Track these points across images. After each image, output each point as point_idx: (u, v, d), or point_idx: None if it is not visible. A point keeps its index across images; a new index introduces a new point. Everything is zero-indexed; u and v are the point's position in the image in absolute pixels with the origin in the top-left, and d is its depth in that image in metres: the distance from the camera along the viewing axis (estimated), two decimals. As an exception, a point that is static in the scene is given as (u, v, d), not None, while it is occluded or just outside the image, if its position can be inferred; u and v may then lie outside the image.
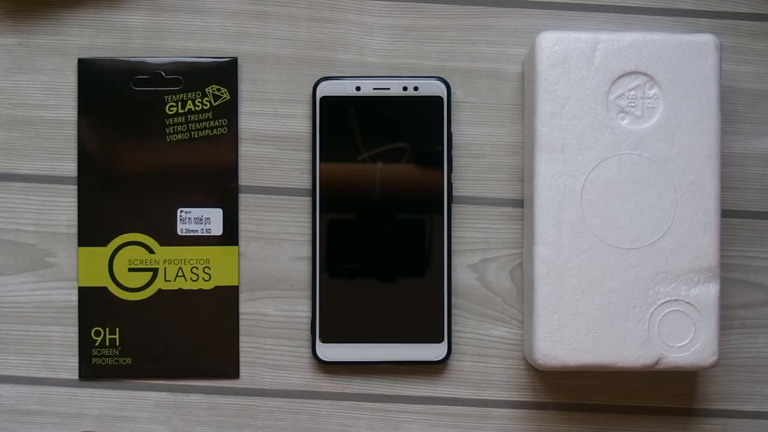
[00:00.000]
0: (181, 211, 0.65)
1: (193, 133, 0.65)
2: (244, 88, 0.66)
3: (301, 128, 0.66)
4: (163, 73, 0.65)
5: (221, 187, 0.66)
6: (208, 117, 0.66)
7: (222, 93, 0.65)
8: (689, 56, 0.62)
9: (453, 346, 0.66)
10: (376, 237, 0.65)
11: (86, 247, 0.65)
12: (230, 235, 0.66)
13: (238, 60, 0.66)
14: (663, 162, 0.62)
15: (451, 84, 0.65)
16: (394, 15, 0.66)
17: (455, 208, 0.66)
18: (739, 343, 0.66)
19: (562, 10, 0.66)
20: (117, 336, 0.65)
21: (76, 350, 0.66)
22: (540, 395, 0.66)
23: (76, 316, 0.66)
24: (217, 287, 0.66)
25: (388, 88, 0.65)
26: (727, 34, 0.66)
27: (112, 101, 0.65)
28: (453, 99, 0.66)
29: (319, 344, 0.65)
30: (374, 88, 0.65)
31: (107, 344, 0.65)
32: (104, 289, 0.65)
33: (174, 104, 0.65)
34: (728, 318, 0.66)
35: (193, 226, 0.65)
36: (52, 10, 0.66)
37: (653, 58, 0.62)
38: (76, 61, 0.66)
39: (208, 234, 0.65)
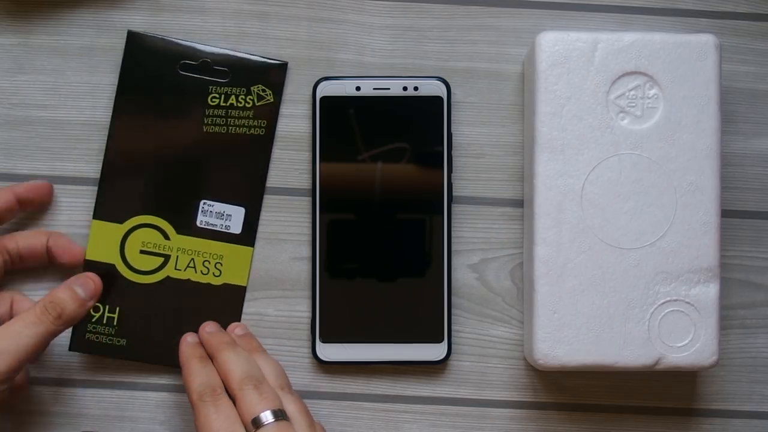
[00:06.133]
0: (204, 203, 0.65)
1: (231, 128, 0.65)
2: (244, 88, 0.66)
3: (301, 128, 0.66)
4: (210, 63, 0.65)
5: (249, 187, 0.65)
6: (249, 115, 0.65)
7: (267, 94, 0.65)
8: (689, 56, 0.62)
9: (453, 346, 0.66)
10: (376, 237, 0.65)
11: (101, 221, 0.65)
12: (248, 236, 0.65)
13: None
14: (663, 162, 0.62)
15: (451, 84, 0.65)
16: (394, 15, 0.66)
17: (455, 208, 0.66)
18: (739, 343, 0.66)
19: (562, 10, 0.66)
20: (116, 315, 0.64)
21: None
22: (540, 395, 0.66)
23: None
24: (225, 284, 0.65)
25: (388, 88, 0.65)
26: (727, 34, 0.66)
27: (155, 80, 0.64)
28: (453, 99, 0.66)
29: (319, 344, 0.65)
30: (374, 88, 0.65)
31: (104, 322, 0.64)
32: (112, 266, 0.65)
33: (217, 96, 0.65)
34: (728, 318, 0.66)
35: (213, 220, 0.65)
36: (52, 10, 0.66)
37: (653, 58, 0.62)
38: (125, 34, 0.65)
39: (226, 231, 0.65)
